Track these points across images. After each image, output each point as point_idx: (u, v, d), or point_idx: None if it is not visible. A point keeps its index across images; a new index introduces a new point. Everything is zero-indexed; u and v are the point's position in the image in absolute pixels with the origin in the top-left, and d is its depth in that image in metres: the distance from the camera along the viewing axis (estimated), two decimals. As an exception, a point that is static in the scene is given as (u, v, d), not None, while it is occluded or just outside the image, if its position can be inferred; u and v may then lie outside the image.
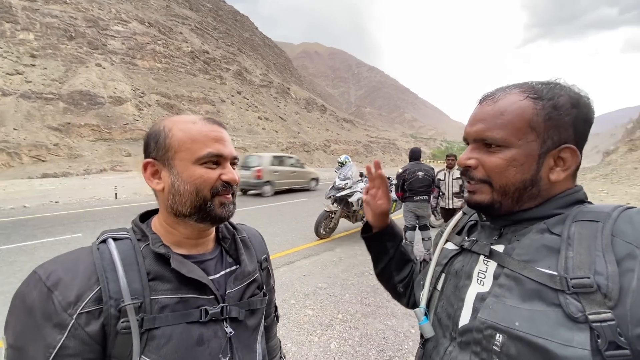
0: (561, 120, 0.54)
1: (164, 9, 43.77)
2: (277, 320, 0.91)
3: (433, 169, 5.13)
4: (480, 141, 0.59)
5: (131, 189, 12.61)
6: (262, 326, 0.76)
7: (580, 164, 0.57)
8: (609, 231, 0.47)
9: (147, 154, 0.66)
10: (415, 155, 5.16)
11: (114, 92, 25.51)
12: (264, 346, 0.78)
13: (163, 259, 0.61)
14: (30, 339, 0.51)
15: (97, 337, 0.54)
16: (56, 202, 9.56)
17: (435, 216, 6.39)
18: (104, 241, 0.61)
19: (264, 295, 0.76)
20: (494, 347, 0.50)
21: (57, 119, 21.26)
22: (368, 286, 4.00)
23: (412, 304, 0.84)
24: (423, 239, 4.97)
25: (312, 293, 3.76)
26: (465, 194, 0.64)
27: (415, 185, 4.91)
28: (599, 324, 0.42)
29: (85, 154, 20.67)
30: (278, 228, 6.47)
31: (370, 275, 4.35)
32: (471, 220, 0.71)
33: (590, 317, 0.42)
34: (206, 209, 0.63)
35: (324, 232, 5.78)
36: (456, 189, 5.09)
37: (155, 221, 0.69)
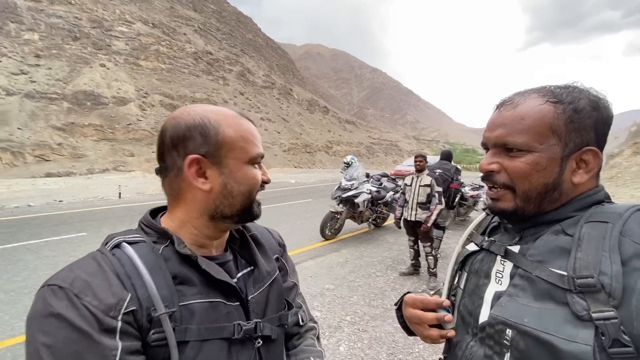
0: (582, 123, 0.55)
1: (168, 10, 43.89)
2: (311, 324, 0.81)
3: (455, 168, 5.30)
4: (500, 146, 0.59)
5: (134, 189, 12.60)
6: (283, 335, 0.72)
7: (601, 165, 0.58)
8: (617, 231, 0.48)
9: (186, 149, 0.57)
10: (444, 155, 5.57)
11: (118, 93, 25.57)
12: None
13: (188, 260, 0.57)
14: (84, 349, 0.44)
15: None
16: (60, 201, 9.56)
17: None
18: (117, 246, 0.55)
19: (290, 308, 0.72)
20: (504, 341, 0.52)
21: (61, 118, 21.33)
22: (375, 288, 3.96)
23: None
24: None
25: (319, 294, 3.72)
26: (488, 201, 0.65)
27: None
28: (602, 321, 0.43)
29: (89, 153, 20.71)
30: (282, 229, 6.41)
31: (378, 277, 4.30)
32: (494, 222, 0.72)
33: (594, 315, 0.44)
34: (251, 209, 0.63)
35: (329, 233, 5.73)
36: (422, 199, 4.08)
37: (166, 221, 0.62)
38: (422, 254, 4.30)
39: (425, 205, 4.08)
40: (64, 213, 7.79)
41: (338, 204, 5.77)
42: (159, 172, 0.61)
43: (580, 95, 0.56)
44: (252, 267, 0.68)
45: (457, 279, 0.72)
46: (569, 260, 0.49)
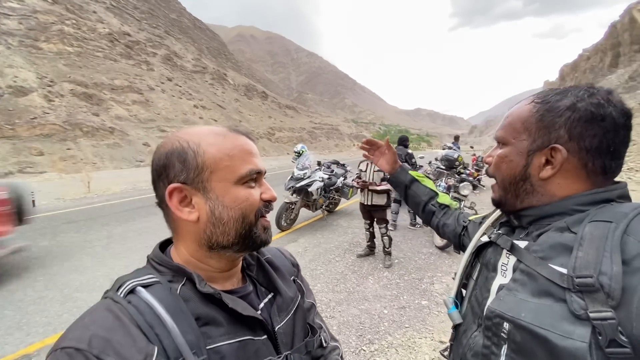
0: (552, 121, 0.57)
1: (69, -18, 37.55)
2: (332, 344, 0.76)
3: (406, 153, 5.69)
4: (498, 141, 0.68)
5: (51, 194, 10.89)
6: None
7: (605, 166, 0.56)
8: (620, 231, 0.48)
9: (168, 178, 0.54)
10: (399, 141, 5.96)
11: (14, 81, 21.49)
12: None
13: (210, 299, 0.52)
14: None
15: None
16: (-48, 217, 7.85)
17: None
18: (132, 291, 0.49)
19: (314, 333, 0.69)
20: (502, 333, 0.54)
21: (-63, 114, 17.29)
22: (337, 273, 4.08)
23: (446, 237, 1.02)
24: (409, 211, 5.82)
25: (284, 287, 3.71)
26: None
27: None
28: (599, 322, 0.43)
29: (-17, 155, 17.26)
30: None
31: (337, 262, 4.44)
32: (505, 218, 0.75)
33: (592, 315, 0.44)
34: (252, 236, 0.56)
35: (285, 224, 5.70)
36: (377, 183, 4.23)
37: (175, 254, 0.58)
38: (377, 235, 4.54)
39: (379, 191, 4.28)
40: (-39, 231, 6.44)
41: (292, 194, 5.75)
42: (158, 205, 0.57)
43: (566, 96, 0.57)
44: (273, 294, 0.64)
45: (474, 270, 0.75)
46: (570, 259, 0.50)
